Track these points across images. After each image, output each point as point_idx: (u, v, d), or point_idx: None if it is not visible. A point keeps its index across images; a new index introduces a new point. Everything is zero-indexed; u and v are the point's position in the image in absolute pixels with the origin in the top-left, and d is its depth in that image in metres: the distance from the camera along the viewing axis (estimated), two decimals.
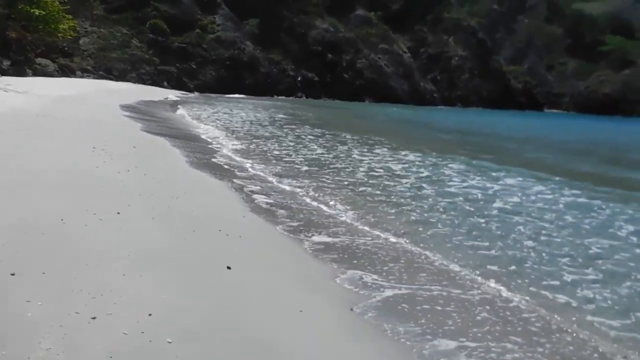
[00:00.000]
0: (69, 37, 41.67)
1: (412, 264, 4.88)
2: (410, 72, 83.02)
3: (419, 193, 8.90)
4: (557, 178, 11.43)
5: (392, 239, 5.69)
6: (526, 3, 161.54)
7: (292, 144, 15.21)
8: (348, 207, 7.20)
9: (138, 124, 15.30)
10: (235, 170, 9.60)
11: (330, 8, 79.71)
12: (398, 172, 11.03)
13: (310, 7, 76.30)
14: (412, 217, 6.97)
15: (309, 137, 17.90)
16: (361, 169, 11.10)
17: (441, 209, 7.66)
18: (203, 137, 14.92)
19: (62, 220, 4.40)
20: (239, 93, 57.38)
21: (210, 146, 12.97)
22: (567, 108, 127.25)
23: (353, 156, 13.16)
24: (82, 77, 44.11)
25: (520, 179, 11.13)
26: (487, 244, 5.90)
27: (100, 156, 8.09)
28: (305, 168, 10.70)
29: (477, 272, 4.87)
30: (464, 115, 59.03)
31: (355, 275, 4.36)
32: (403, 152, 14.74)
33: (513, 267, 5.12)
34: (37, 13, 36.71)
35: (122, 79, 48.90)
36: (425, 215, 7.15)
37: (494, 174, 11.68)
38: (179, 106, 29.05)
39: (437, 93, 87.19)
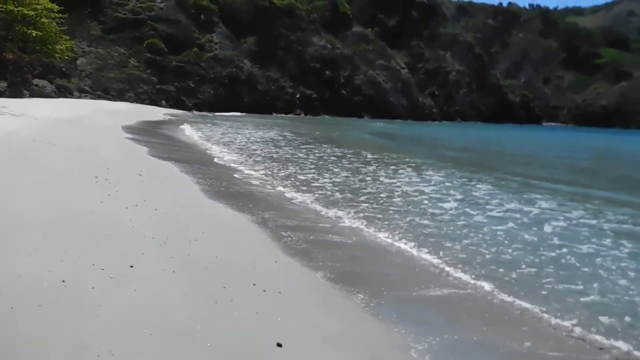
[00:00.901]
0: (66, 57, 41.18)
1: (520, 323, 4.06)
2: (408, 88, 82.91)
3: (469, 221, 8.09)
4: (596, 201, 10.69)
5: (485, 287, 4.87)
6: (520, 17, 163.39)
7: (313, 166, 14.24)
8: (403, 240, 6.50)
9: (143, 147, 14.42)
10: (258, 198, 8.66)
11: (327, 25, 79.88)
12: (434, 195, 10.35)
13: (306, 24, 76.41)
14: (485, 254, 6.22)
15: (331, 157, 17.04)
16: (396, 193, 10.39)
17: (506, 241, 6.90)
18: (216, 160, 13.99)
19: (63, 282, 3.54)
20: (238, 111, 56.83)
21: (224, 171, 11.97)
22: (565, 121, 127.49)
23: (381, 179, 12.38)
24: (79, 97, 43.43)
25: (554, 202, 10.32)
26: (581, 286, 5.10)
27: (103, 188, 7.28)
28: (338, 195, 9.75)
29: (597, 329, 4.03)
30: (465, 130, 58.51)
31: (444, 343, 3.48)
32: (427, 172, 14.06)
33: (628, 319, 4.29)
34: (34, 34, 36.25)
35: (120, 99, 48.29)
36: (494, 250, 6.39)
37: (525, 195, 10.92)
38: (182, 126, 28.19)
39: (436, 108, 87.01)
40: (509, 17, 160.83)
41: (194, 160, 13.11)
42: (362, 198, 9.55)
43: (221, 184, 9.70)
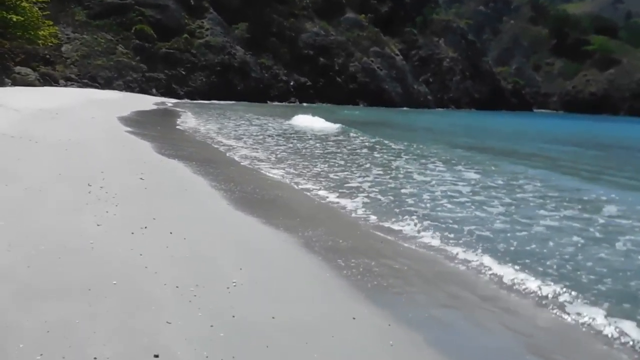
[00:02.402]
0: (50, 44, 39.10)
1: None
2: (403, 75, 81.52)
3: (535, 229, 6.95)
4: None
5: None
6: (511, 4, 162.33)
7: (338, 161, 12.84)
8: (487, 258, 5.42)
9: (145, 142, 12.88)
10: (298, 209, 7.22)
11: (320, 11, 77.88)
12: (481, 199, 9.00)
13: (298, 10, 74.35)
14: (581, 276, 5.11)
15: (354, 150, 15.75)
16: (437, 194, 9.24)
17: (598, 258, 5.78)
18: (230, 156, 12.40)
19: None
20: (231, 99, 55.04)
21: (244, 171, 10.42)
22: (556, 108, 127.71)
23: (414, 176, 11.15)
24: (65, 85, 41.37)
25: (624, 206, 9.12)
26: None
27: (99, 201, 5.86)
28: (382, 198, 8.45)
29: None
30: (464, 118, 57.61)
31: None
32: (457, 167, 12.87)
33: None
34: (14, 19, 34.25)
35: (108, 87, 46.22)
36: (581, 272, 5.27)
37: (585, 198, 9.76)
38: (183, 116, 26.42)
39: (431, 95, 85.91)
40: (499, 4, 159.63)
41: (205, 158, 11.62)
42: (409, 201, 8.36)
43: (246, 189, 8.21)
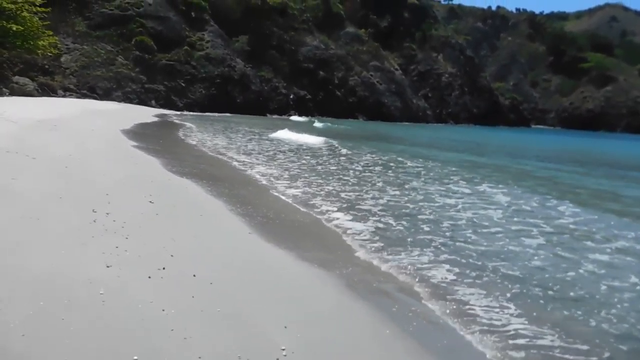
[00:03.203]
0: (49, 54, 38.60)
1: None
2: (402, 90, 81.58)
3: (581, 268, 6.11)
4: None
5: None
6: (508, 21, 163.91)
7: (354, 179, 12.35)
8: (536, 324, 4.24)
9: (151, 157, 12.24)
10: (325, 237, 6.65)
11: (320, 25, 78.09)
12: (514, 228, 8.15)
13: (299, 23, 74.47)
14: None
15: (372, 168, 15.15)
16: (461, 222, 8.35)
17: None
18: (243, 172, 11.76)
19: None
20: (230, 112, 54.56)
21: (263, 191, 9.82)
22: (553, 124, 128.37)
23: (435, 199, 10.36)
24: (64, 96, 40.74)
25: None
26: None
27: (106, 232, 5.15)
28: (393, 223, 7.76)
29: None
30: (467, 133, 57.34)
31: None
32: (481, 187, 12.30)
33: None
34: (14, 29, 33.80)
35: (107, 98, 45.64)
36: None
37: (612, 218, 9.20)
38: (188, 130, 25.64)
39: (430, 110, 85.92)
40: (497, 20, 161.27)
41: (216, 176, 11.02)
42: (425, 228, 7.59)
43: (266, 213, 7.61)
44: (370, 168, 15.28)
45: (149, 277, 4.15)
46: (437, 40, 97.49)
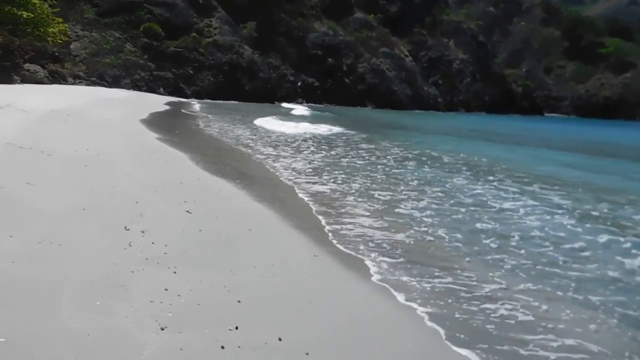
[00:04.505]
0: (59, 41, 39.08)
1: None
2: (412, 77, 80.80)
3: None
4: None
5: None
6: (522, 5, 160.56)
7: (383, 175, 11.27)
8: None
9: (178, 152, 11.54)
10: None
11: (328, 11, 77.44)
12: (601, 240, 6.85)
13: (307, 9, 73.98)
14: None
15: (393, 161, 14.04)
16: (533, 234, 6.98)
17: None
18: (274, 171, 10.77)
19: None
20: (238, 99, 54.76)
21: (305, 195, 8.78)
22: (567, 112, 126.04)
23: (489, 202, 8.96)
24: (73, 83, 41.36)
25: None
26: None
27: (147, 264, 4.19)
28: (452, 240, 6.52)
29: None
30: (485, 122, 55.94)
31: None
32: (531, 187, 10.75)
33: None
34: (24, 15, 34.28)
35: (116, 86, 46.19)
36: None
37: None
38: (203, 118, 25.19)
39: (441, 98, 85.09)
40: (510, 5, 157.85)
41: (252, 174, 10.28)
42: (491, 245, 6.30)
43: (325, 224, 6.78)
44: (403, 163, 14.00)
45: (222, 347, 3.05)
46: (448, 25, 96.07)
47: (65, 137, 10.56)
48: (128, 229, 5.06)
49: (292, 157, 13.65)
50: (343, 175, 11.06)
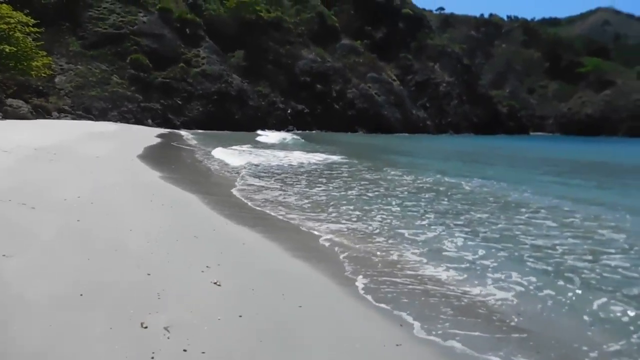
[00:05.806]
0: (43, 75, 37.93)
1: None
2: (401, 101, 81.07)
3: None
4: None
5: None
6: (502, 28, 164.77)
7: (431, 216, 9.74)
8: None
9: (187, 193, 10.35)
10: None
11: (315, 38, 77.85)
12: None
13: (294, 37, 74.20)
14: None
15: (422, 195, 12.73)
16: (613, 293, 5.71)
17: None
18: (295, 222, 8.65)
19: None
20: (228, 129, 53.71)
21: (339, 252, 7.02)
22: (552, 130, 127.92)
23: (531, 240, 7.84)
24: (58, 117, 39.95)
25: None
26: None
27: None
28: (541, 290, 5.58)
29: None
30: (480, 144, 55.86)
31: None
32: (568, 219, 9.73)
33: None
34: (7, 50, 33.21)
35: (103, 118, 44.89)
36: None
37: None
38: (202, 151, 23.94)
39: (430, 120, 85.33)
40: (490, 28, 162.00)
41: (274, 223, 8.67)
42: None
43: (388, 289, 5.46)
44: (416, 194, 12.72)
45: None
46: (433, 49, 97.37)
47: (52, 181, 9.35)
48: (146, 327, 3.67)
49: (300, 194, 12.24)
50: (358, 213, 9.91)
